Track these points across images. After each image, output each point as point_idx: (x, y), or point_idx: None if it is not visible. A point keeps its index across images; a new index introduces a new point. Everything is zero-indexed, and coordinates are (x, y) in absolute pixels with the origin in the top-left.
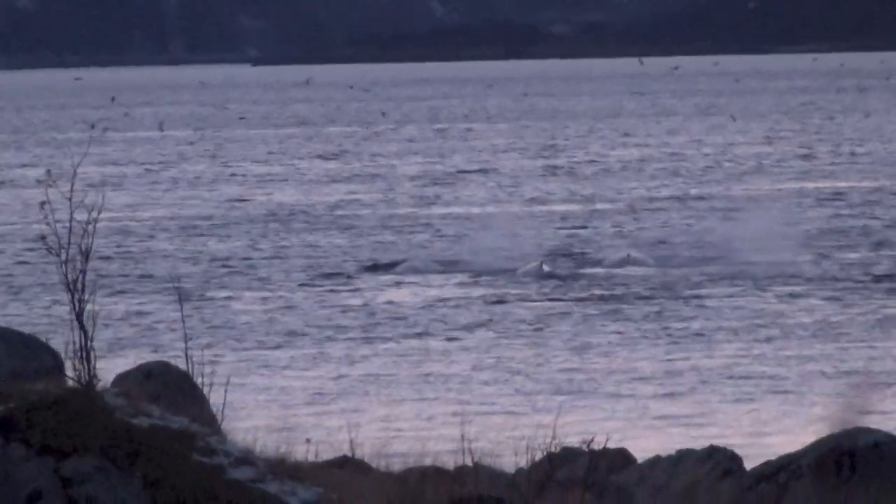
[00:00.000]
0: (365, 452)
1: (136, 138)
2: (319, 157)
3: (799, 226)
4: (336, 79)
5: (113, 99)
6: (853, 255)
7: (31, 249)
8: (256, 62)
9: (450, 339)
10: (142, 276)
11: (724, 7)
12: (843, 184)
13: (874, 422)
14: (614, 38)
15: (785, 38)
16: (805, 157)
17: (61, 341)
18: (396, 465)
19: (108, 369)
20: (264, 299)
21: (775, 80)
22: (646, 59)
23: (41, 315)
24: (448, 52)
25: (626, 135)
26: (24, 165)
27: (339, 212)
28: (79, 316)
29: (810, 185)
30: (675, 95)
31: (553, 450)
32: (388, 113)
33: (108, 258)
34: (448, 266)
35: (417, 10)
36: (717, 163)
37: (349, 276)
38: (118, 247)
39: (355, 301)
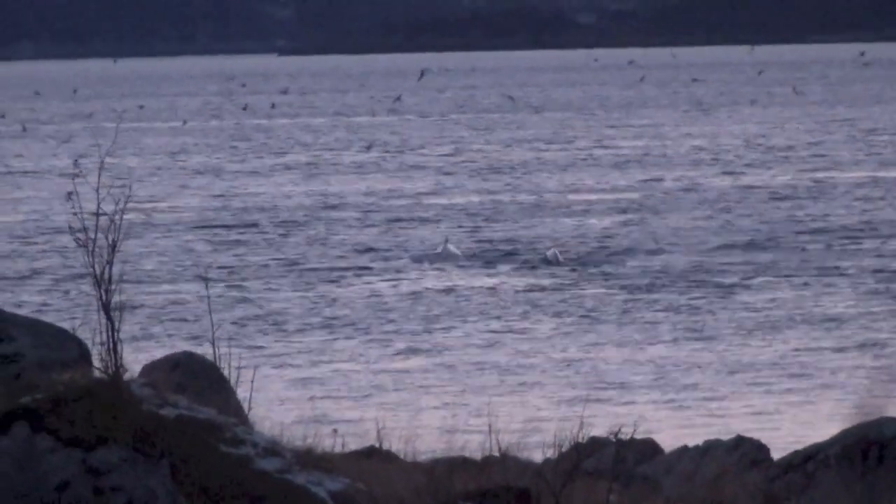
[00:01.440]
0: (392, 443)
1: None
2: (358, 148)
3: (832, 218)
4: (367, 68)
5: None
6: (871, 246)
7: (59, 240)
8: (283, 52)
9: (476, 330)
10: (170, 267)
11: None
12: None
13: None
14: (641, 27)
15: (817, 27)
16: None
17: (88, 332)
18: (424, 456)
19: (136, 360)
20: (294, 290)
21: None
22: (676, 50)
23: (68, 306)
24: (474, 41)
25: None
26: (54, 155)
27: (371, 199)
28: (106, 307)
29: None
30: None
31: (580, 440)
32: (422, 103)
33: (136, 249)
34: (469, 257)
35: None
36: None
37: (377, 267)
38: (147, 238)
39: (379, 292)
